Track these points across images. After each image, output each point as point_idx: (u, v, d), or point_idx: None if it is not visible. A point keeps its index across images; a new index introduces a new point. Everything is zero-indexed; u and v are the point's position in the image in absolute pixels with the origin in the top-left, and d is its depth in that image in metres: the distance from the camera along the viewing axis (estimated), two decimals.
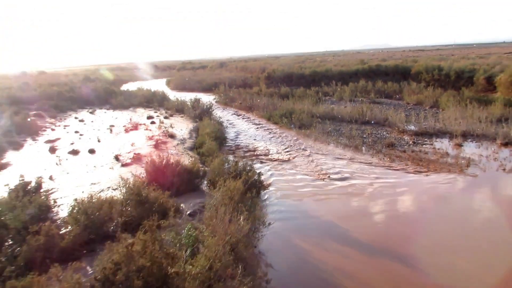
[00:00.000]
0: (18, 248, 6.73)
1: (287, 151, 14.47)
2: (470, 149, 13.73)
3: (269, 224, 7.67)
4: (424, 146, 14.28)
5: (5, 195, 8.69)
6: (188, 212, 8.48)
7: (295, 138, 16.71)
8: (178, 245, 5.89)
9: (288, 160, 13.30)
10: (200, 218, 7.71)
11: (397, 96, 27.74)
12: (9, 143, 17.41)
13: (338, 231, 8.23)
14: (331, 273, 6.66)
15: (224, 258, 5.24)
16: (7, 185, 9.71)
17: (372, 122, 18.93)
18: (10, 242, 7.01)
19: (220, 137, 16.00)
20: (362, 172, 11.73)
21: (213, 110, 23.19)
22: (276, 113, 21.29)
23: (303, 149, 14.70)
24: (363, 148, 14.38)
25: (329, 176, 11.46)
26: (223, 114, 24.52)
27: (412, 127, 16.92)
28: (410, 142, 14.82)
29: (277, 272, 6.61)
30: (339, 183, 10.92)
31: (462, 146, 14.08)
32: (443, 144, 14.44)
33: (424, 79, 32.10)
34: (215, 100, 30.31)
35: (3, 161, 14.67)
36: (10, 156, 15.63)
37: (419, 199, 9.72)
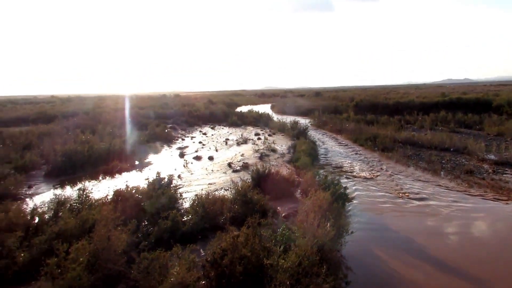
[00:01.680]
0: (151, 228, 7.23)
1: (370, 170, 13.75)
2: None
3: (352, 232, 7.29)
4: (504, 175, 12.58)
5: (145, 186, 9.40)
6: (283, 214, 8.43)
7: (378, 159, 15.84)
8: (273, 241, 5.85)
9: (371, 178, 12.62)
10: (293, 220, 7.59)
11: (477, 127, 24.91)
12: (151, 147, 19.00)
13: (414, 246, 7.56)
14: (405, 284, 6.12)
15: (311, 257, 5.08)
16: (147, 179, 10.57)
17: (451, 149, 17.26)
18: (146, 223, 7.56)
19: (313, 154, 15.77)
20: (440, 195, 10.68)
21: (308, 131, 22.98)
22: (361, 136, 20.47)
23: (384, 169, 13.85)
24: (442, 172, 13.12)
25: (408, 195, 10.63)
26: (316, 135, 24.21)
27: (492, 157, 15.07)
28: (490, 171, 13.17)
29: (356, 276, 6.24)
30: (417, 203, 10.05)
31: None
32: None
33: (506, 111, 28.56)
34: (310, 123, 30.02)
35: (146, 160, 16.03)
36: (151, 157, 17.02)
37: (496, 225, 8.56)
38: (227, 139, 22.03)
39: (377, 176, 12.91)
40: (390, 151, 16.95)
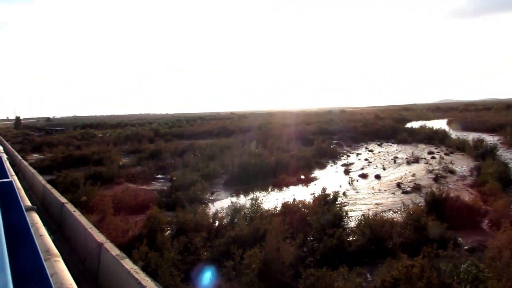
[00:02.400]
0: (316, 244, 7.26)
1: None
2: None
3: None
4: None
5: (311, 201, 9.56)
6: (466, 247, 7.28)
7: None
8: (455, 277, 5.07)
9: None
10: (480, 256, 6.43)
11: None
12: (316, 163, 19.39)
13: None
14: None
15: None
16: (313, 194, 10.76)
17: None
18: (311, 238, 7.65)
19: (504, 178, 13.20)
20: None
21: (498, 150, 19.49)
22: None
23: None
24: None
25: None
26: (508, 155, 20.34)
27: None
28: None
29: None
30: None
31: None
32: None
33: None
34: (499, 141, 25.54)
35: (312, 175, 16.42)
36: (317, 172, 17.35)
37: None
38: (396, 157, 20.69)
39: None
40: None
